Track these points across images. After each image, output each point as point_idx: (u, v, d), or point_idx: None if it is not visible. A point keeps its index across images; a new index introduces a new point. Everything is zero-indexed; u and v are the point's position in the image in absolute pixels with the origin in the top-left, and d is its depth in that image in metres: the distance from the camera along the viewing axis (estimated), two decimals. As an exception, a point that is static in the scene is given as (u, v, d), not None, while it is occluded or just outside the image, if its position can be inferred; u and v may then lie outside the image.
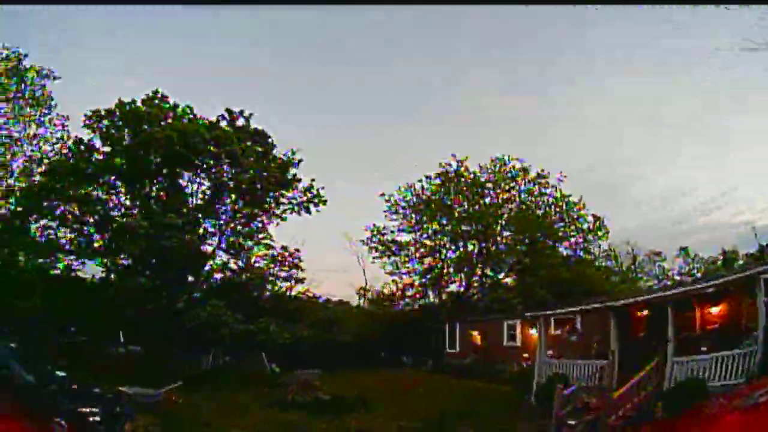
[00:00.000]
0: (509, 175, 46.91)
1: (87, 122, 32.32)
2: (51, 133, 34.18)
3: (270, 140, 35.47)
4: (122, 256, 32.54)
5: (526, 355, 31.76)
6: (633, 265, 56.35)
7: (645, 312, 21.96)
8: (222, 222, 35.58)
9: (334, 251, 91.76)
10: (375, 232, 48.27)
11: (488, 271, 48.26)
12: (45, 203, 30.74)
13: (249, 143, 34.04)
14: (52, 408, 13.39)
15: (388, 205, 47.82)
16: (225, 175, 33.80)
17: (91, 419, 13.45)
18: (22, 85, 32.57)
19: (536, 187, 46.89)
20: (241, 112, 34.90)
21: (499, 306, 42.28)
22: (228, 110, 34.77)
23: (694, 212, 72.92)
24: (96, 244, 32.06)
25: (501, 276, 48.31)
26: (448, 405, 22.53)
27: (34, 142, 33.83)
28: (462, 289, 48.29)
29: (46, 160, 32.84)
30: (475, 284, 48.37)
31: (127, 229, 29.82)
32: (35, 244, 30.57)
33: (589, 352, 23.51)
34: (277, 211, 36.68)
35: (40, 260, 31.09)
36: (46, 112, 33.68)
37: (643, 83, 55.97)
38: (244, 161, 32.81)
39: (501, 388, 26.57)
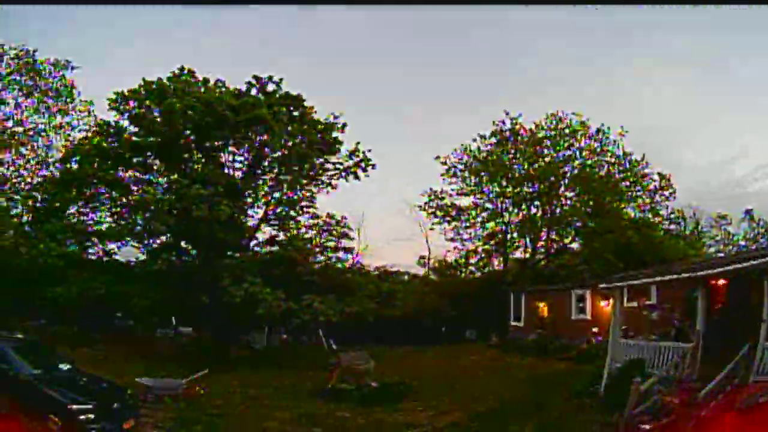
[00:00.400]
0: (567, 130, 43.69)
1: (113, 105, 31.10)
2: (77, 120, 34.54)
3: (306, 104, 33.15)
4: (166, 236, 31.54)
5: (596, 329, 28.91)
6: (696, 229, 52.11)
7: (723, 283, 18.87)
8: (263, 192, 34.11)
9: (396, 220, 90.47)
10: (432, 197, 46.26)
11: (554, 236, 45.66)
12: (75, 189, 30.16)
13: (283, 108, 31.78)
14: (45, 404, 12.15)
15: (445, 168, 45.79)
16: (259, 142, 31.91)
17: (81, 417, 11.96)
18: (38, 78, 32.73)
19: (596, 143, 43.58)
20: (270, 78, 32.70)
21: (564, 273, 39.91)
22: (255, 77, 32.67)
23: (752, 175, 68.40)
24: (131, 226, 30.87)
25: (567, 240, 45.76)
26: (507, 392, 19.97)
27: (61, 131, 34.20)
28: (527, 255, 46.09)
29: (75, 147, 32.15)
30: (541, 250, 45.93)
31: (147, 204, 28.65)
32: (67, 230, 29.69)
33: (666, 330, 20.57)
34: (323, 178, 34.86)
35: (72, 247, 30.40)
36: (70, 101, 33.98)
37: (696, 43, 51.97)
38: (276, 126, 30.59)
39: (568, 369, 23.81)
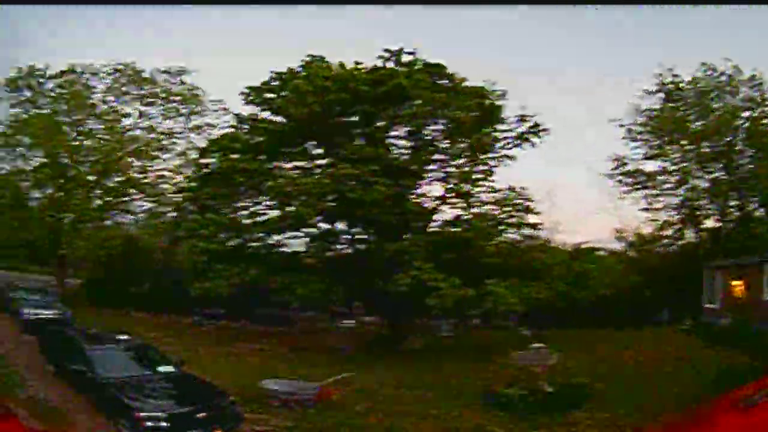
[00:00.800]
0: (723, 78, 37.78)
1: (248, 99, 30.59)
2: (213, 119, 35.66)
3: (450, 72, 30.08)
4: (326, 222, 30.53)
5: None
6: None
7: None
8: (432, 168, 31.44)
9: (590, 192, 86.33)
10: (618, 163, 41.68)
11: (745, 202, 39.70)
12: (223, 183, 29.55)
13: (426, 77, 28.99)
14: (118, 409, 12.07)
15: (623, 132, 40.89)
16: (410, 115, 29.34)
17: (149, 424, 11.43)
18: (153, 87, 34.47)
19: (756, 92, 37.36)
20: (402, 49, 30.03)
21: (752, 244, 34.70)
22: (387, 50, 30.07)
23: None
24: (286, 215, 29.51)
25: (756, 206, 39.61)
26: (684, 401, 15.22)
27: (198, 130, 35.64)
28: (719, 225, 40.40)
29: (212, 143, 32.18)
30: (732, 218, 40.15)
31: (300, 191, 27.39)
32: (213, 224, 29.01)
33: None
34: (497, 147, 31.37)
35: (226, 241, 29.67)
36: (198, 102, 35.25)
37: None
38: (422, 95, 28.13)
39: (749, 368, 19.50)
